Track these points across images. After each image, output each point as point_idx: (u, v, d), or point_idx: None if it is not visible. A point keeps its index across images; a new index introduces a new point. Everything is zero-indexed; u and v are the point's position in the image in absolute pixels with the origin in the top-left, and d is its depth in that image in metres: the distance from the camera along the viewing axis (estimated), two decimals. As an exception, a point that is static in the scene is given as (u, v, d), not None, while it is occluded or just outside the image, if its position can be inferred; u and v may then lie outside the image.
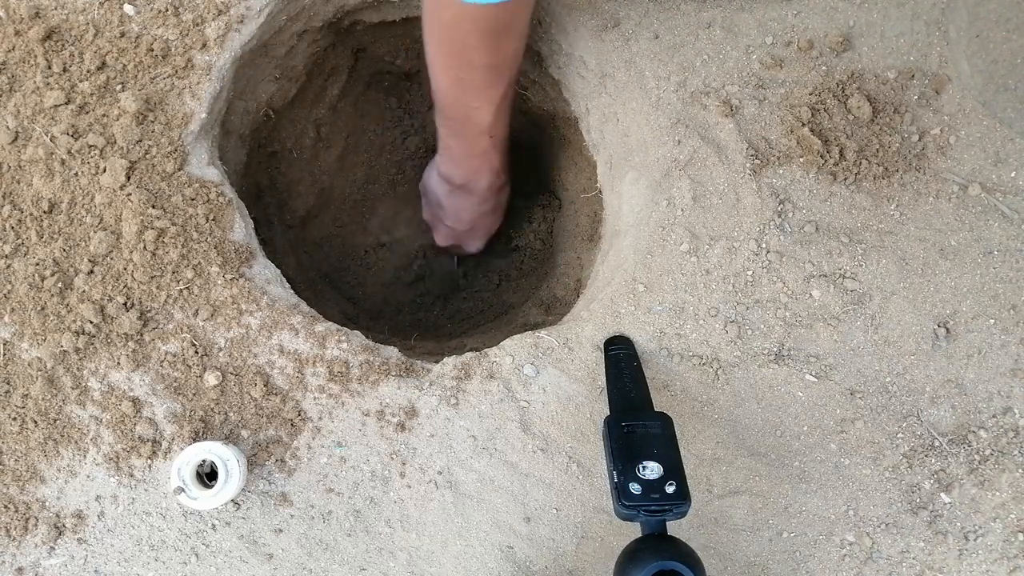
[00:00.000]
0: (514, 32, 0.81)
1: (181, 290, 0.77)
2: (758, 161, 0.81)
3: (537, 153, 1.37)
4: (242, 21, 0.83)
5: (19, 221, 0.77)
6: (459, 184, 1.08)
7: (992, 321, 0.80)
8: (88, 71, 0.80)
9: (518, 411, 0.78)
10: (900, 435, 0.79)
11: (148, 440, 0.76)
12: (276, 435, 0.77)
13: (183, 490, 0.72)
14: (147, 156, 0.79)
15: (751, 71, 0.84)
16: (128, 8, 0.81)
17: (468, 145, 1.00)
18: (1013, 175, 0.82)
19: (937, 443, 0.79)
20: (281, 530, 0.77)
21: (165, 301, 0.77)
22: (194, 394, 0.76)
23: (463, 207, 1.13)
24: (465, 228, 1.18)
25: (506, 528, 0.77)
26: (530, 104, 1.21)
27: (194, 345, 0.77)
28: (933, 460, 0.79)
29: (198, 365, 0.77)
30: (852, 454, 0.79)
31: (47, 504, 0.76)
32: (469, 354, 0.81)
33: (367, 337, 0.82)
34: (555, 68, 1.03)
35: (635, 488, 0.62)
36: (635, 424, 0.67)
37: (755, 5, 0.85)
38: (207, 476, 0.74)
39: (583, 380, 0.78)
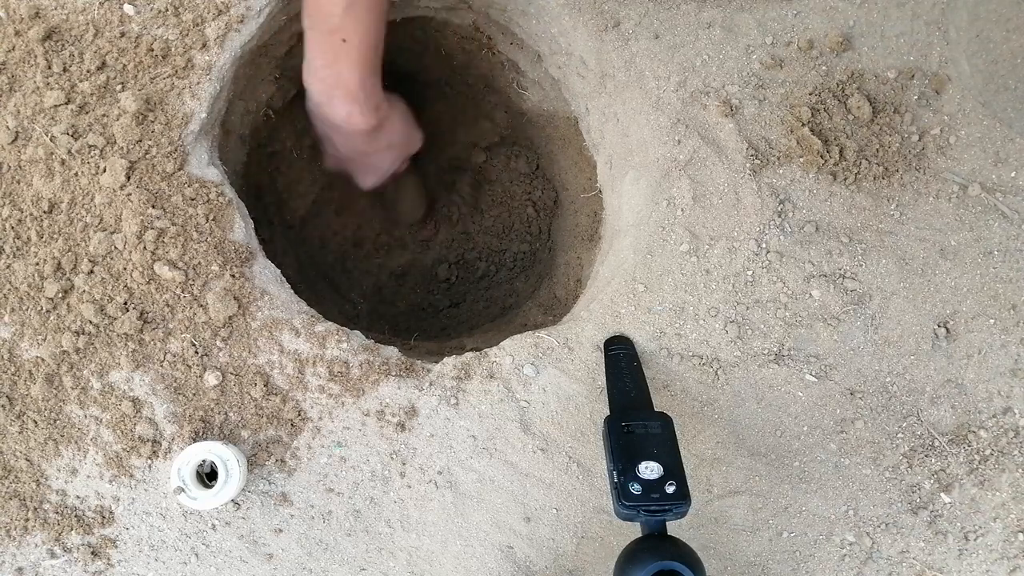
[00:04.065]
0: None
1: (181, 290, 0.77)
2: (758, 161, 0.81)
3: (534, 152, 1.37)
4: (242, 21, 0.83)
5: (19, 221, 0.77)
6: (316, 102, 0.92)
7: (992, 321, 0.80)
8: (88, 71, 0.80)
9: (518, 411, 0.78)
10: (900, 435, 0.79)
11: (148, 440, 0.76)
12: (276, 435, 0.77)
13: (183, 490, 0.72)
14: (147, 156, 0.79)
15: (751, 71, 0.84)
16: (128, 8, 0.81)
17: (318, 43, 0.85)
18: (1013, 175, 0.82)
19: (937, 443, 0.79)
20: (281, 530, 0.77)
21: (165, 301, 0.77)
22: (194, 394, 0.76)
23: (331, 135, 0.98)
24: (344, 159, 1.03)
25: (506, 528, 0.77)
26: (530, 104, 1.21)
27: (194, 345, 0.77)
28: (933, 460, 0.79)
29: (198, 365, 0.77)
30: (852, 454, 0.79)
31: (47, 504, 0.76)
32: (469, 354, 0.81)
33: (367, 337, 0.82)
34: (555, 68, 1.03)
35: (635, 488, 0.62)
36: (635, 424, 0.67)
37: (755, 5, 0.85)
38: (207, 476, 0.74)
39: (583, 380, 0.78)
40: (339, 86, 0.88)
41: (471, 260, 1.44)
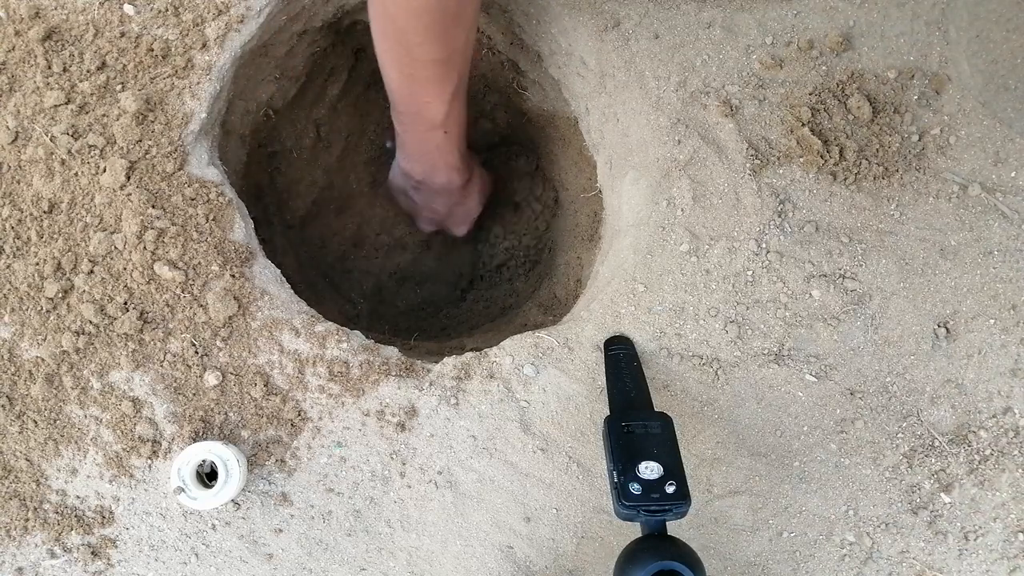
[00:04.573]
0: (463, 23, 0.78)
1: (181, 290, 0.77)
2: (758, 161, 0.81)
3: (537, 152, 1.37)
4: (242, 21, 0.83)
5: (19, 221, 0.77)
6: (419, 180, 1.07)
7: (992, 321, 0.80)
8: (88, 71, 0.80)
9: (518, 411, 0.78)
10: (900, 435, 0.79)
11: (148, 440, 0.76)
12: (276, 435, 0.77)
13: (183, 490, 0.72)
14: (147, 156, 0.79)
15: (751, 71, 0.84)
16: (128, 8, 0.81)
17: (421, 140, 0.98)
18: (1013, 175, 0.82)
19: (937, 443, 0.79)
20: (281, 530, 0.77)
21: (165, 301, 0.77)
22: (194, 394, 0.76)
23: (430, 200, 1.14)
24: (442, 217, 1.18)
25: (506, 528, 0.77)
26: (530, 104, 1.21)
27: (194, 345, 0.77)
28: (933, 460, 0.79)
29: (198, 365, 0.77)
30: (852, 454, 0.79)
31: (47, 504, 0.76)
32: (469, 354, 0.81)
33: (367, 337, 0.82)
34: (555, 68, 1.03)
35: (635, 488, 0.62)
36: (635, 424, 0.67)
37: (755, 5, 0.85)
38: (207, 476, 0.74)
39: (583, 380, 0.78)
40: (443, 165, 1.01)
41: (471, 260, 1.44)
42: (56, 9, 0.81)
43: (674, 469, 0.63)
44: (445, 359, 0.80)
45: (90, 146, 0.78)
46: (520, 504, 0.77)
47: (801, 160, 0.81)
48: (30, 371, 0.76)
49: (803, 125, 0.81)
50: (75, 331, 0.75)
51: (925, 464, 0.79)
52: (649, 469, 0.63)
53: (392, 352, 0.81)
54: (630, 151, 0.88)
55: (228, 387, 0.77)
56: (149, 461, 0.76)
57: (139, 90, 0.80)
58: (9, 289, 0.76)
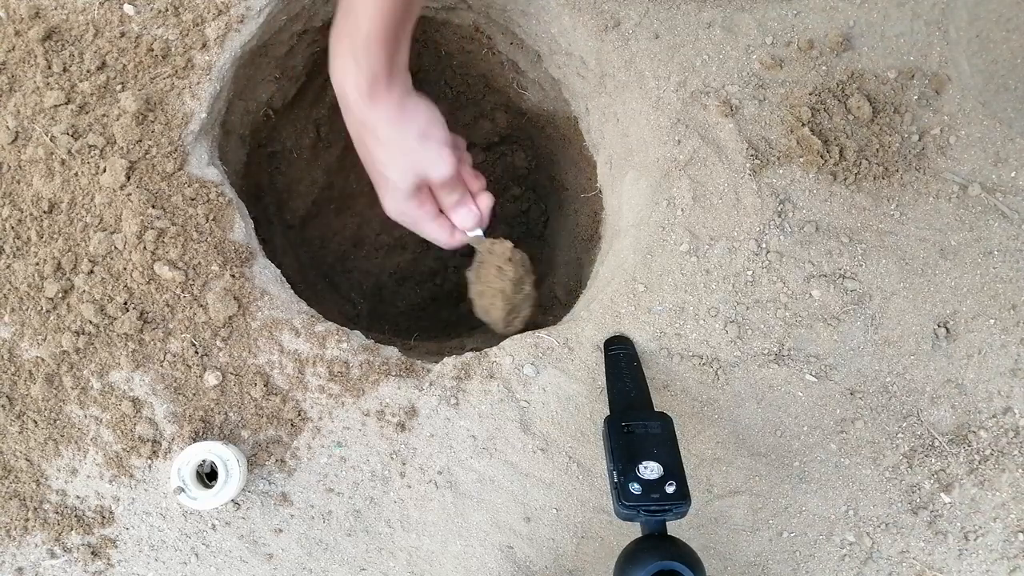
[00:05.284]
0: None
1: (181, 290, 0.77)
2: (758, 161, 0.81)
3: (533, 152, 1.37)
4: (242, 21, 0.83)
5: (19, 221, 0.77)
6: (330, 63, 0.72)
7: (992, 321, 0.80)
8: (88, 71, 0.80)
9: (518, 411, 0.78)
10: (900, 435, 0.79)
11: (148, 440, 0.76)
12: (276, 435, 0.77)
13: (183, 490, 0.72)
14: (147, 156, 0.79)
15: (751, 71, 0.84)
16: (128, 8, 0.81)
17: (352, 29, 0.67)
18: (1013, 175, 0.82)
19: (937, 443, 0.79)
20: (281, 530, 0.77)
21: (165, 301, 0.77)
22: (194, 394, 0.76)
23: (356, 129, 0.74)
24: (370, 168, 0.77)
25: (506, 528, 0.77)
26: (530, 104, 1.21)
27: (194, 345, 0.77)
28: (933, 460, 0.79)
29: (198, 365, 0.77)
30: (852, 454, 0.79)
31: (47, 504, 0.76)
32: (469, 354, 0.81)
33: (367, 337, 0.82)
34: (555, 68, 1.03)
35: (635, 488, 0.62)
36: (635, 424, 0.67)
37: (755, 5, 0.85)
38: (207, 476, 0.74)
39: (583, 380, 0.78)
40: (346, 36, 0.68)
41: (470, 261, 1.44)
42: (56, 9, 0.81)
43: (674, 469, 0.63)
44: (445, 359, 0.80)
45: (90, 146, 0.78)
46: (520, 504, 0.77)
47: (801, 160, 0.81)
48: (30, 371, 0.76)
49: (803, 125, 0.81)
50: (75, 331, 0.75)
51: (925, 464, 0.79)
52: (649, 469, 0.63)
53: (392, 352, 0.81)
54: (630, 151, 0.88)
55: (228, 387, 0.77)
56: (149, 461, 0.76)
57: (139, 90, 0.80)
58: (9, 289, 0.76)
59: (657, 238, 0.80)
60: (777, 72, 0.84)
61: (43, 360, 0.76)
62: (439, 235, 0.80)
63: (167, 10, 0.82)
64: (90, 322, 0.75)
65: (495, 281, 0.80)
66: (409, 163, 0.73)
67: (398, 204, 0.78)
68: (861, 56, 0.84)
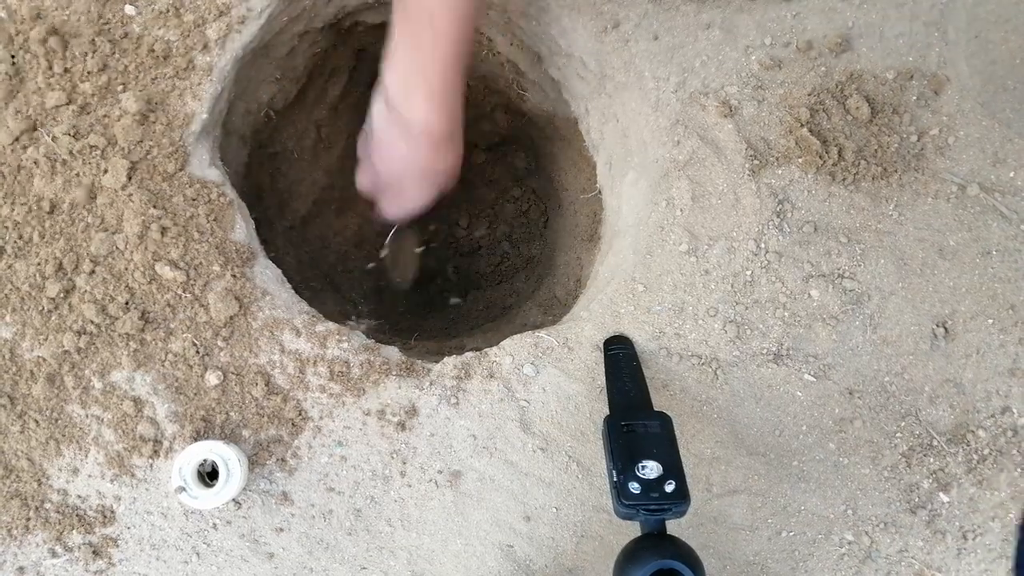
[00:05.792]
0: None
1: (182, 290, 0.77)
2: (757, 161, 0.81)
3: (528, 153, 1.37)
4: (243, 22, 0.84)
5: (21, 221, 0.77)
6: (391, 97, 0.81)
7: (991, 321, 0.80)
8: (89, 72, 0.80)
9: (518, 411, 0.78)
10: (899, 435, 0.79)
11: (149, 439, 0.76)
12: (277, 434, 0.77)
13: (184, 489, 0.72)
14: (148, 156, 0.79)
15: (750, 72, 0.84)
16: (129, 9, 0.81)
17: (413, 33, 0.76)
18: (1012, 175, 0.82)
19: (936, 443, 0.79)
20: (282, 529, 0.77)
21: (166, 301, 0.77)
22: (195, 393, 0.77)
23: (395, 142, 0.85)
24: (389, 177, 0.90)
25: (506, 527, 0.78)
26: (530, 105, 1.21)
27: (195, 345, 0.77)
28: (932, 459, 0.79)
29: (199, 365, 0.77)
30: (851, 453, 0.79)
31: (48, 504, 0.76)
32: (469, 354, 0.81)
33: (367, 337, 0.82)
34: (555, 69, 1.03)
35: (635, 487, 0.62)
36: (635, 424, 0.67)
37: (754, 6, 0.85)
38: (208, 475, 0.75)
39: (583, 380, 0.78)
40: (420, 78, 0.76)
41: (472, 260, 1.44)
42: (57, 10, 0.81)
43: (673, 468, 0.63)
44: (445, 359, 0.81)
45: (91, 146, 0.78)
46: (520, 503, 0.78)
47: (800, 160, 0.81)
48: (32, 371, 0.76)
49: (802, 126, 0.81)
50: (76, 331, 0.75)
51: (924, 463, 0.79)
52: (648, 468, 0.63)
53: (392, 352, 0.81)
54: (630, 152, 0.88)
55: (229, 387, 0.77)
56: (150, 460, 0.76)
57: (140, 91, 0.80)
58: (11, 289, 0.76)
59: (656, 238, 0.81)
60: (776, 73, 0.84)
61: (44, 360, 0.76)
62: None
63: (168, 11, 0.82)
64: (91, 322, 0.76)
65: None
66: (422, 194, 0.90)
67: (362, 177, 0.95)
68: (860, 57, 0.84)
